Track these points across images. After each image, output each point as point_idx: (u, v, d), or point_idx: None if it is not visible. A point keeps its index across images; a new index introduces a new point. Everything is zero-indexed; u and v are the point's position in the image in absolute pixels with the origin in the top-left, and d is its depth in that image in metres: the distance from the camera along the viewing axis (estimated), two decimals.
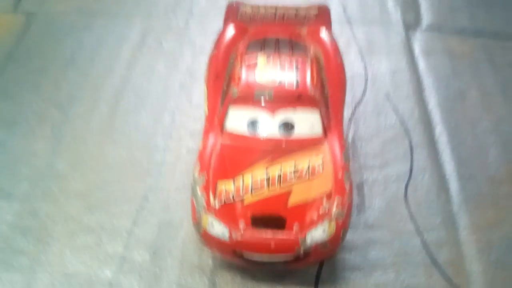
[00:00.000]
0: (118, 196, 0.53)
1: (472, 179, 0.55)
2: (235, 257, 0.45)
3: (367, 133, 0.59)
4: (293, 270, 0.48)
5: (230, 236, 0.43)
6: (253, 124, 0.49)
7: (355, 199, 0.53)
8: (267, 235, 0.43)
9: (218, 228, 0.44)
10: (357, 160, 0.56)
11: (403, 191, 0.54)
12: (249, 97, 0.49)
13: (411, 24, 0.72)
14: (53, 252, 0.49)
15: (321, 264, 0.49)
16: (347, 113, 0.59)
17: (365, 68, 0.66)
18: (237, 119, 0.49)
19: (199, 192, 0.45)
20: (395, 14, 0.73)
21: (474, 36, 0.70)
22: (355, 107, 0.61)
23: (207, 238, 0.45)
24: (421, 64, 0.67)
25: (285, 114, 0.49)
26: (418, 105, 0.62)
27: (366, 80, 0.65)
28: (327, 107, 0.50)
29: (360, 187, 0.54)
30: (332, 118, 0.50)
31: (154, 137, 0.58)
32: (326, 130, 0.49)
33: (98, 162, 0.56)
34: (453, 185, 0.55)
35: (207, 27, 0.71)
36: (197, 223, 0.45)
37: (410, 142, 0.58)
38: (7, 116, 0.60)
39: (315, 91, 0.49)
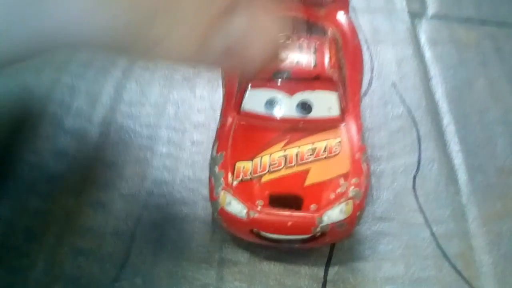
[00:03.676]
0: (122, 191, 0.52)
1: (481, 170, 0.55)
2: (251, 235, 0.45)
3: (374, 123, 0.58)
4: (302, 264, 0.48)
5: (248, 215, 0.43)
6: (270, 103, 0.48)
7: None
8: (285, 214, 0.43)
9: (236, 207, 0.43)
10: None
11: (411, 182, 0.53)
12: (267, 77, 0.48)
13: (416, 13, 0.71)
14: (54, 252, 0.48)
15: (329, 259, 0.48)
16: None
17: (371, 57, 0.65)
18: (255, 99, 0.48)
19: (217, 170, 0.45)
20: (400, 2, 0.72)
21: (480, 24, 0.69)
22: (362, 97, 0.60)
23: (224, 216, 0.44)
24: (428, 53, 0.66)
25: (302, 94, 0.48)
26: (425, 94, 0.61)
27: (372, 69, 0.64)
28: (344, 88, 0.50)
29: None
30: (349, 100, 0.50)
31: (158, 129, 0.57)
32: (343, 111, 0.48)
33: (100, 156, 0.55)
34: (462, 176, 0.54)
35: None
36: (215, 201, 0.44)
37: (418, 133, 0.57)
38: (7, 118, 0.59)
39: (333, 72, 0.49)
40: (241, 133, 0.47)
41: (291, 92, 0.48)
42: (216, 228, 0.50)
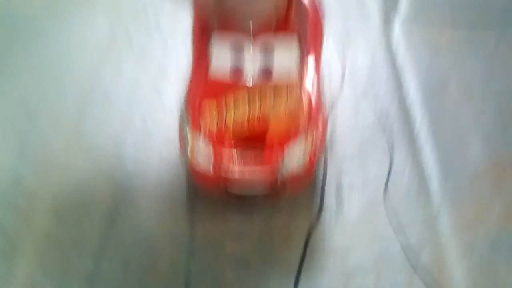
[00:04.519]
0: (88, 208, 0.52)
1: (452, 177, 0.54)
2: (219, 191, 0.49)
3: (344, 134, 0.57)
4: (271, 279, 0.47)
5: (215, 171, 0.47)
6: (235, 70, 0.49)
7: (333, 203, 0.52)
8: (249, 169, 0.47)
9: (204, 163, 0.47)
10: (335, 163, 0.54)
11: (381, 194, 0.53)
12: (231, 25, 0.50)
13: (389, 16, 0.70)
14: (22, 271, 0.47)
15: (298, 274, 0.47)
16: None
17: (342, 63, 0.64)
18: (220, 49, 0.49)
19: (187, 130, 0.48)
20: (372, 6, 0.71)
21: (453, 27, 0.69)
22: (332, 106, 0.59)
23: (194, 173, 0.49)
24: (400, 57, 0.65)
25: (265, 38, 0.49)
26: (397, 101, 0.60)
27: (343, 76, 0.63)
28: (305, 44, 0.52)
29: (338, 190, 0.53)
30: (310, 51, 0.52)
31: (125, 146, 0.56)
32: (302, 75, 0.50)
33: (66, 172, 0.54)
34: (433, 185, 0.53)
35: (178, 25, 0.69)
36: (185, 160, 0.49)
37: (389, 141, 0.57)
38: None
39: (294, 18, 0.50)
40: (208, 97, 0.49)
41: (254, 36, 0.49)
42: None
